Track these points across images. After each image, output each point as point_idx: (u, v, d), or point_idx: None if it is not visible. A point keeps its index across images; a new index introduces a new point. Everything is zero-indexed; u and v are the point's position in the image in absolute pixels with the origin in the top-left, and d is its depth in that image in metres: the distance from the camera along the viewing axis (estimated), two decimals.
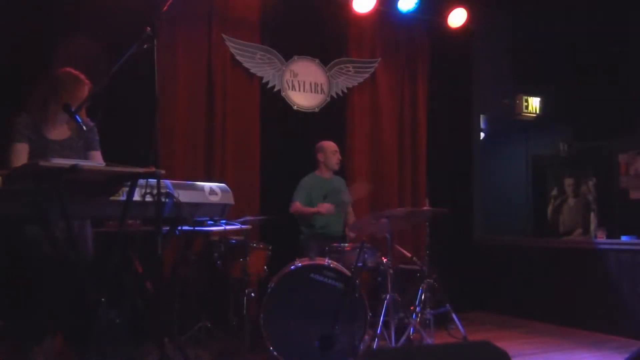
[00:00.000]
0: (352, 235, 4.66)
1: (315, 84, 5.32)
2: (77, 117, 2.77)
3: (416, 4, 5.37)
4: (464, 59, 6.08)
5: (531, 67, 6.30)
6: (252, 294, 3.90)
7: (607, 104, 5.74)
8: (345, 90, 5.45)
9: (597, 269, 5.05)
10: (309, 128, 5.21)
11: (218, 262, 4.04)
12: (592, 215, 5.62)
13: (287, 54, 5.19)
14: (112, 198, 2.74)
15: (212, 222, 3.38)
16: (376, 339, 3.78)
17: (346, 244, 4.28)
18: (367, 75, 5.54)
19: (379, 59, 5.60)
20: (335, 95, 5.40)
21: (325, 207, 4.46)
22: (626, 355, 3.56)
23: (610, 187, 5.68)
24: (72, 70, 3.13)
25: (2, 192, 2.48)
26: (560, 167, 6.13)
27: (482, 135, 6.55)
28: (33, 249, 2.90)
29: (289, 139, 5.16)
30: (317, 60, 5.34)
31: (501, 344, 2.01)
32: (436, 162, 5.86)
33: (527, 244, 5.93)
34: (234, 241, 4.06)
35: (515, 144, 7.00)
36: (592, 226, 5.58)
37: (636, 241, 4.87)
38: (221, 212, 3.22)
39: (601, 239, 5.20)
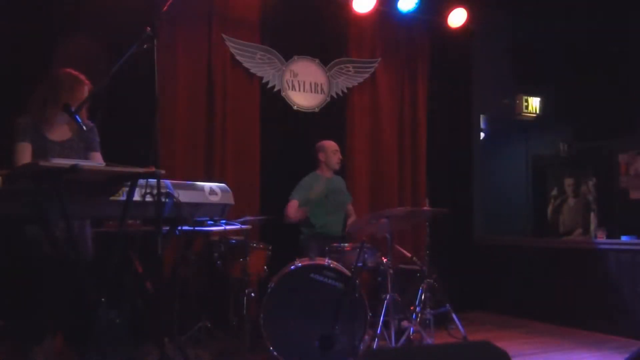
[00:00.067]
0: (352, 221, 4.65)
1: (315, 84, 5.32)
2: (77, 117, 2.78)
3: (416, 4, 5.37)
4: (464, 59, 6.08)
5: (531, 67, 6.30)
6: (252, 294, 3.90)
7: (607, 104, 5.74)
8: (345, 90, 5.45)
9: (597, 269, 5.04)
10: (309, 128, 5.21)
11: (218, 262, 4.04)
12: (592, 215, 5.62)
13: (287, 54, 5.19)
14: (112, 198, 2.74)
15: (212, 222, 3.38)
16: (376, 339, 3.78)
17: (346, 244, 4.28)
18: (367, 75, 5.54)
19: (379, 59, 5.60)
20: (335, 95, 5.40)
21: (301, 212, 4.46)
22: (626, 355, 3.56)
23: (610, 187, 5.67)
24: (72, 71, 3.13)
25: (2, 192, 2.49)
26: (560, 167, 6.13)
27: (482, 135, 6.55)
28: (33, 249, 2.91)
29: (289, 139, 5.15)
30: (317, 60, 5.33)
31: (501, 344, 2.01)
32: (436, 162, 5.86)
33: (527, 244, 5.92)
34: (234, 241, 4.06)
35: (515, 144, 7.00)
36: (592, 226, 5.57)
37: (636, 241, 4.86)
38: (221, 212, 3.22)
39: (601, 239, 5.20)
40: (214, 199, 3.14)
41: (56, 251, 2.75)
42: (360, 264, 3.77)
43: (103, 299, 2.74)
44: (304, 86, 5.26)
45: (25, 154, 2.98)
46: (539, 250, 5.67)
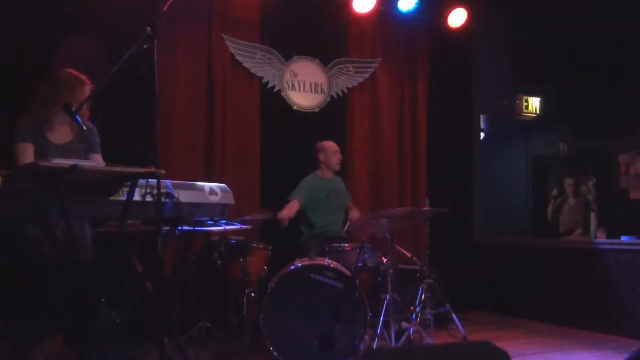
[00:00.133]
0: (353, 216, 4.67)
1: (315, 84, 5.32)
2: (77, 117, 2.78)
3: (416, 4, 5.37)
4: (464, 59, 6.08)
5: (531, 67, 6.30)
6: (252, 294, 3.90)
7: (607, 104, 5.74)
8: (345, 90, 5.44)
9: (597, 269, 5.04)
10: (309, 128, 5.21)
11: (218, 262, 4.04)
12: (592, 215, 5.62)
13: (287, 54, 5.19)
14: (112, 198, 2.74)
15: (212, 222, 3.38)
16: (376, 339, 3.78)
17: (346, 244, 4.28)
18: (367, 75, 5.54)
19: (379, 59, 5.60)
20: (335, 95, 5.40)
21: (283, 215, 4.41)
22: (626, 355, 3.56)
23: (610, 187, 5.68)
24: (73, 71, 3.13)
25: (2, 192, 2.49)
26: (560, 167, 6.13)
27: (482, 135, 6.55)
28: (33, 249, 2.91)
29: (289, 139, 5.15)
30: (317, 60, 5.33)
31: (501, 344, 2.01)
32: (436, 162, 5.86)
33: (527, 244, 5.92)
34: (234, 241, 4.06)
35: (515, 144, 7.00)
36: (592, 226, 5.58)
37: (636, 241, 4.86)
38: (221, 212, 3.23)
39: (601, 239, 5.20)
40: (214, 199, 3.14)
41: (56, 251, 2.75)
42: (360, 264, 3.77)
43: (103, 299, 2.74)
44: (304, 86, 5.26)
45: (27, 154, 2.98)
46: (539, 250, 5.67)
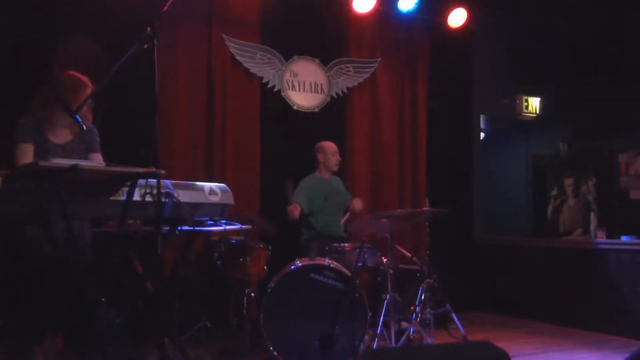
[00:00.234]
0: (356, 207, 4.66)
1: (315, 84, 5.32)
2: (77, 117, 2.78)
3: (416, 4, 5.37)
4: (464, 59, 6.08)
5: (531, 67, 6.30)
6: (252, 294, 3.90)
7: (607, 104, 5.74)
8: (345, 90, 5.45)
9: (597, 269, 5.04)
10: (309, 128, 5.21)
11: (218, 262, 4.04)
12: (592, 215, 5.62)
13: (287, 54, 5.19)
14: (112, 198, 2.74)
15: (212, 222, 3.38)
16: (376, 339, 3.78)
17: (346, 244, 4.28)
18: (367, 75, 5.54)
19: (379, 59, 5.60)
20: (335, 95, 5.40)
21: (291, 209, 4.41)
22: (626, 355, 3.56)
23: (610, 187, 5.67)
24: (75, 74, 3.13)
25: (2, 192, 2.49)
26: (560, 167, 6.13)
27: (482, 135, 6.55)
28: (33, 249, 2.91)
29: (289, 139, 5.15)
30: (317, 60, 5.33)
31: (501, 344, 2.01)
32: (436, 162, 5.86)
33: (527, 244, 5.92)
34: (234, 241, 4.06)
35: (515, 144, 7.00)
36: (592, 226, 5.58)
37: (636, 241, 4.86)
38: (221, 212, 3.22)
39: (601, 239, 5.20)
40: (213, 199, 3.14)
41: (56, 251, 2.75)
42: (360, 264, 3.77)
43: (103, 299, 2.74)
44: (304, 86, 5.26)
45: (27, 154, 2.98)
46: (539, 250, 5.67)
